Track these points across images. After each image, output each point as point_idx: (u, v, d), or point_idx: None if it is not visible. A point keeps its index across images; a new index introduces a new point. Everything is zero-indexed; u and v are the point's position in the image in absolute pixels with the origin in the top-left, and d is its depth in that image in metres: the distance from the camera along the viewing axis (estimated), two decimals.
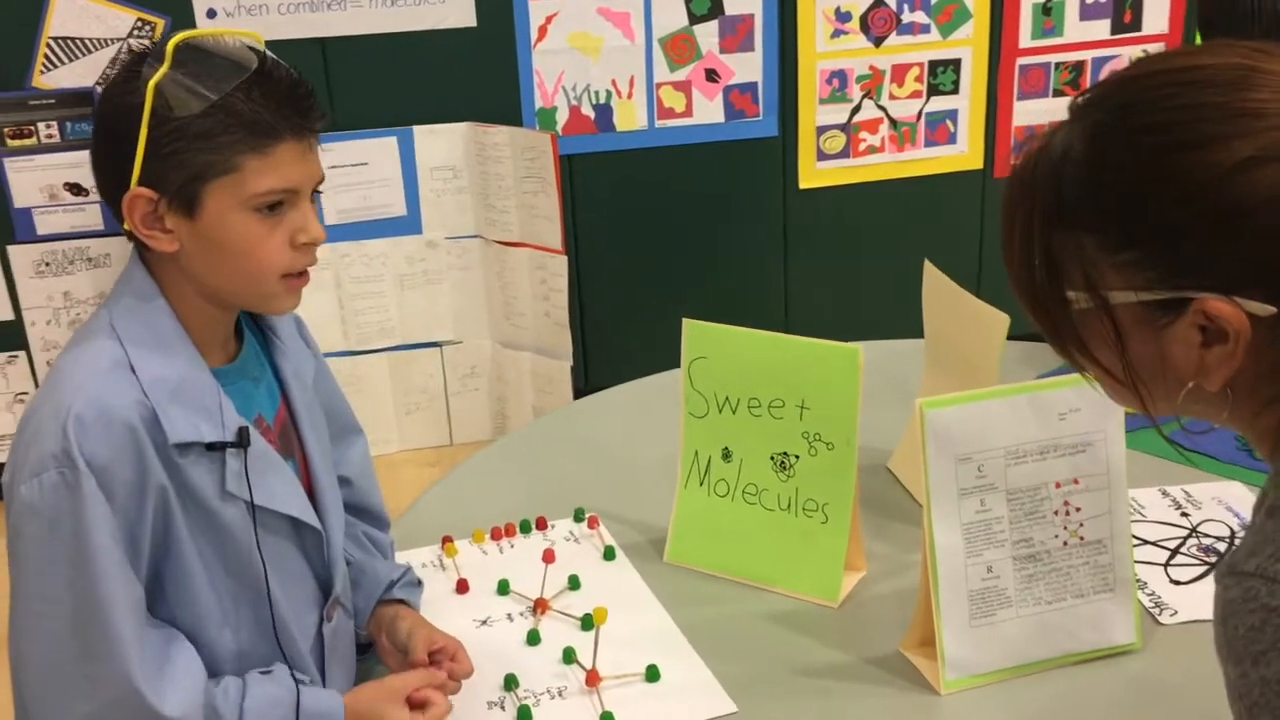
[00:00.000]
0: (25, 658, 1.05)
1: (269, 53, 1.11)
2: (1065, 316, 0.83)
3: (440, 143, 3.13)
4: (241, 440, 1.10)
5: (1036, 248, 0.82)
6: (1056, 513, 1.27)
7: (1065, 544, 1.28)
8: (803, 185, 3.34)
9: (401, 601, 1.33)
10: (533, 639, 1.36)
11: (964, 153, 3.41)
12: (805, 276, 3.44)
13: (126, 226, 1.09)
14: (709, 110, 3.22)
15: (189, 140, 1.06)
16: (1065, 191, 0.80)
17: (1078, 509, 1.27)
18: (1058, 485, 1.27)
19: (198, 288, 1.12)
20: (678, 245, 3.34)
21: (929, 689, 1.27)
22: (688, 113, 3.22)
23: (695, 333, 1.46)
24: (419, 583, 1.37)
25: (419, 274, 3.22)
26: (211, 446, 1.08)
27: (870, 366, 1.99)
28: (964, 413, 1.23)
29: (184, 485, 1.08)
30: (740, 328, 1.44)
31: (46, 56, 2.88)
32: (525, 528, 1.58)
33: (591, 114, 3.17)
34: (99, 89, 1.03)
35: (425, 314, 3.26)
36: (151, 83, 1.05)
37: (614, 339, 3.38)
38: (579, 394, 3.14)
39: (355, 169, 3.11)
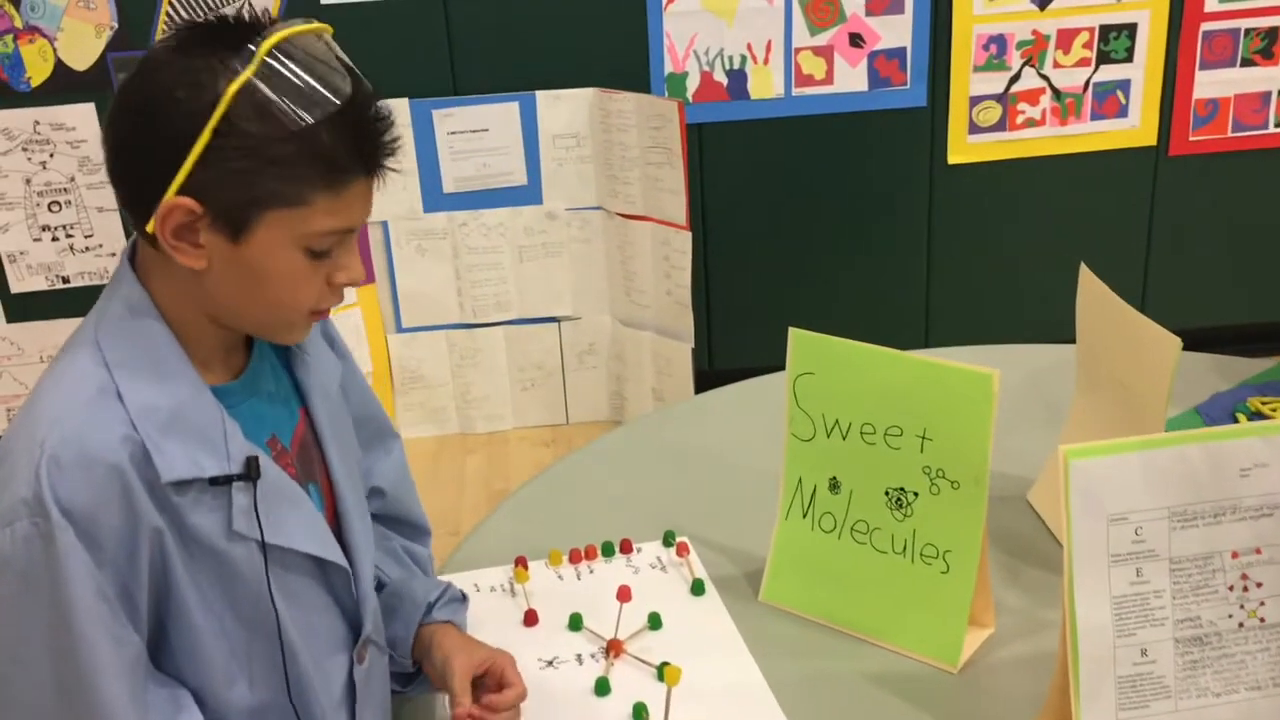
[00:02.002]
0: None
1: (356, 70, 0.96)
2: None
3: (564, 109, 2.97)
4: (250, 472, 0.96)
5: None
6: (1232, 588, 1.04)
7: (1241, 625, 1.05)
8: (952, 160, 3.07)
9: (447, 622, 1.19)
10: (602, 689, 1.20)
11: (1135, 127, 3.09)
12: (951, 261, 3.18)
13: (150, 229, 0.93)
14: (851, 78, 2.98)
15: (261, 163, 0.91)
16: None
17: (1259, 584, 1.05)
18: (1234, 555, 1.04)
19: (207, 306, 0.98)
20: (812, 223, 3.12)
21: None
22: (828, 80, 2.98)
23: (802, 344, 1.27)
24: (463, 598, 1.23)
25: (538, 245, 3.09)
26: (215, 481, 0.95)
27: (1016, 377, 1.77)
28: (1119, 464, 1.02)
29: (183, 527, 0.94)
30: (854, 341, 1.24)
31: (169, 14, 2.82)
32: (608, 551, 1.42)
33: (724, 80, 2.97)
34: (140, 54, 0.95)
35: (544, 287, 3.12)
36: (232, 88, 0.89)
37: (741, 321, 3.19)
38: (701, 377, 2.97)
39: (475, 135, 2.98)
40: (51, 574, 0.89)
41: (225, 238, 0.94)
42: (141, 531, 0.92)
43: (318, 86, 0.91)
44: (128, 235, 2.99)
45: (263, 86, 0.90)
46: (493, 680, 1.13)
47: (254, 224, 0.93)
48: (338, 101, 0.92)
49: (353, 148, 0.94)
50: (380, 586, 1.19)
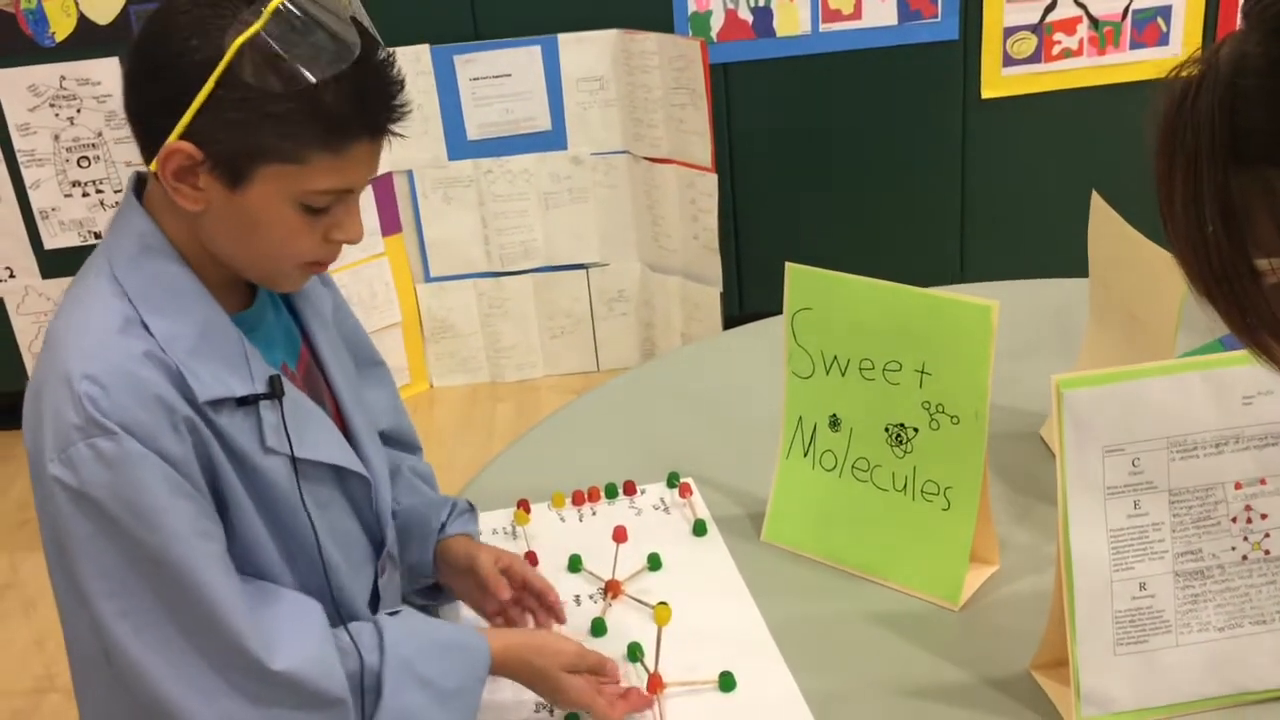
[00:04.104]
0: (144, 667, 0.92)
1: (370, 27, 0.95)
2: (1254, 293, 0.60)
3: (586, 52, 2.93)
4: (275, 390, 0.99)
5: (1207, 202, 0.60)
6: (1235, 520, 1.01)
7: (1245, 558, 1.02)
8: (985, 95, 3.00)
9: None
10: (598, 629, 1.19)
11: (1176, 56, 2.99)
12: (985, 198, 3.11)
13: (152, 169, 0.95)
14: (880, 11, 2.91)
15: (259, 117, 0.91)
16: (1242, 116, 0.58)
17: (1263, 516, 1.01)
18: (1238, 486, 1.01)
19: (206, 245, 0.99)
20: (842, 163, 3.06)
21: None
22: (856, 15, 2.91)
23: (799, 279, 1.24)
24: (470, 508, 1.25)
25: (564, 192, 3.06)
26: (244, 401, 0.97)
27: (1038, 312, 1.73)
28: (1116, 393, 0.98)
29: (225, 440, 0.96)
30: (852, 275, 1.21)
31: None
32: (611, 492, 1.40)
33: (749, 18, 2.91)
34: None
35: (571, 234, 3.10)
36: (238, 41, 0.89)
37: (771, 263, 3.12)
38: (731, 321, 2.94)
39: (497, 80, 2.95)
40: (121, 488, 0.90)
41: (224, 185, 0.94)
42: (190, 441, 0.94)
43: (325, 45, 0.91)
44: None
45: (269, 41, 0.90)
46: (514, 582, 1.17)
47: (251, 175, 0.94)
48: (344, 63, 0.91)
49: (355, 109, 0.93)
50: (393, 515, 1.20)
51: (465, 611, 1.24)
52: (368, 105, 0.94)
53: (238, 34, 0.89)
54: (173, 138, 0.92)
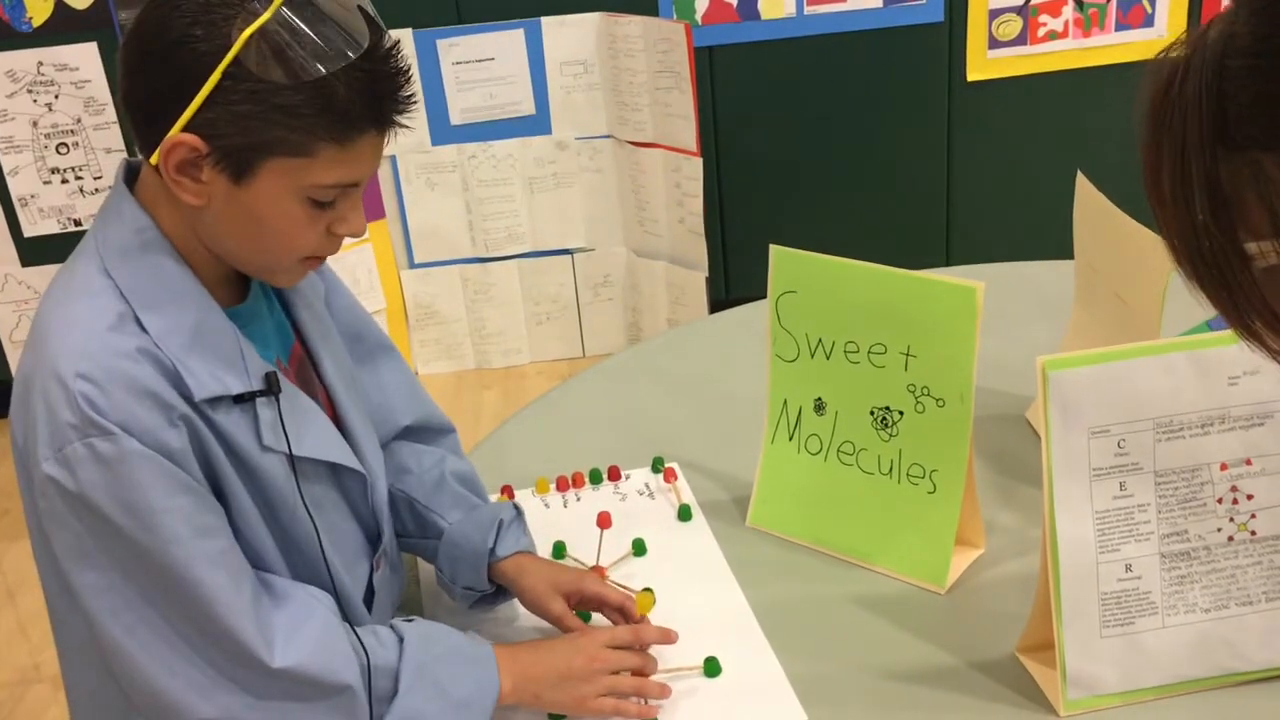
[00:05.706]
0: (139, 664, 0.92)
1: (375, 16, 0.93)
2: (1244, 278, 0.58)
3: (570, 35, 2.91)
4: (271, 387, 0.97)
5: (1196, 187, 0.58)
6: (1221, 501, 1.01)
7: (1231, 539, 1.01)
8: (971, 77, 2.99)
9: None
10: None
11: (1162, 37, 2.98)
12: (971, 181, 3.10)
13: (153, 162, 0.92)
14: None
15: (267, 109, 0.89)
16: (1230, 99, 0.56)
17: (1249, 496, 1.01)
18: (1224, 467, 1.00)
19: (203, 238, 0.97)
20: (828, 146, 3.05)
21: (1048, 707, 1.04)
22: None
23: (783, 261, 1.23)
24: (517, 513, 1.19)
25: (549, 176, 3.04)
26: (240, 398, 0.96)
27: (1023, 292, 1.73)
28: (1101, 374, 0.98)
29: (222, 438, 0.95)
30: (836, 257, 1.20)
31: None
32: (595, 478, 1.39)
33: (734, 0, 2.89)
34: None
35: (556, 219, 3.08)
36: (247, 31, 0.87)
37: (757, 247, 3.11)
38: (718, 306, 2.93)
39: (481, 64, 2.93)
40: (122, 486, 0.89)
41: (228, 178, 0.92)
42: (188, 439, 0.92)
43: (335, 36, 0.89)
44: None
45: (278, 31, 0.88)
46: (589, 605, 1.14)
47: (257, 169, 0.92)
48: (352, 54, 0.89)
49: (365, 101, 0.91)
50: (440, 532, 1.18)
51: None
52: (376, 97, 0.92)
53: (246, 24, 0.87)
54: (175, 130, 0.89)
